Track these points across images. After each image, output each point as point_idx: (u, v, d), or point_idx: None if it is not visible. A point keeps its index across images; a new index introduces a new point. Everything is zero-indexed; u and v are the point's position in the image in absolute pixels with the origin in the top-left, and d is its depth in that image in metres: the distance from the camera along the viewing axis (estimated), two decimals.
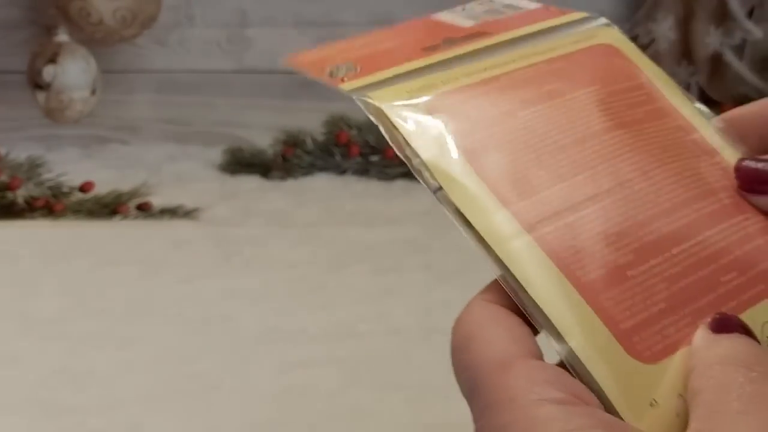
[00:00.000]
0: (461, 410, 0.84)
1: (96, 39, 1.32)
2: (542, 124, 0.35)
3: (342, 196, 1.30)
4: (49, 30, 1.34)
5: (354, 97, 0.35)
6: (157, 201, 1.28)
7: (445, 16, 0.40)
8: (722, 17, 1.39)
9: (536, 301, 0.30)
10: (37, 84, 1.32)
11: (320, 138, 1.39)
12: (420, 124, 0.34)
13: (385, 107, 0.34)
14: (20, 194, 1.28)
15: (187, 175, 1.39)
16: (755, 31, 1.39)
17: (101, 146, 1.48)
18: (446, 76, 0.36)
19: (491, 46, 0.38)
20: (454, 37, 0.38)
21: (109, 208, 1.26)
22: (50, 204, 1.27)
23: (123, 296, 1.04)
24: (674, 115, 0.37)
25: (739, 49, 1.40)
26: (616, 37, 0.39)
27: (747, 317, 0.31)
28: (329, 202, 1.29)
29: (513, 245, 0.31)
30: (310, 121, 1.42)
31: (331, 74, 0.36)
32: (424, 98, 0.35)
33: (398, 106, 0.34)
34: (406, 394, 0.85)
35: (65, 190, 1.31)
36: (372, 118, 0.34)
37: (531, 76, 0.36)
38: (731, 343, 0.29)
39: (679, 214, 0.33)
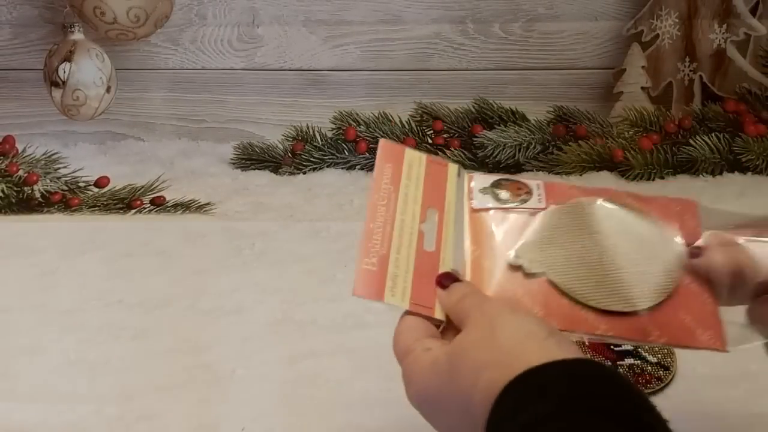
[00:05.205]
0: None
1: (110, 37, 1.33)
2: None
3: (350, 190, 1.30)
4: (64, 28, 1.34)
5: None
6: (170, 196, 1.28)
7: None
8: (726, 13, 1.38)
9: None
10: (53, 81, 1.32)
11: (329, 134, 1.40)
12: None
13: None
14: (37, 189, 1.29)
15: (199, 170, 1.39)
16: (759, 28, 1.38)
17: (116, 142, 1.48)
18: None
19: None
20: None
21: (124, 202, 1.27)
22: (67, 198, 1.27)
23: (138, 288, 1.05)
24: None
25: (743, 45, 1.40)
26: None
27: None
28: (338, 196, 1.29)
29: None
30: (320, 117, 1.42)
31: None
32: None
33: None
34: None
35: (81, 185, 1.32)
36: None
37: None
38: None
39: None
